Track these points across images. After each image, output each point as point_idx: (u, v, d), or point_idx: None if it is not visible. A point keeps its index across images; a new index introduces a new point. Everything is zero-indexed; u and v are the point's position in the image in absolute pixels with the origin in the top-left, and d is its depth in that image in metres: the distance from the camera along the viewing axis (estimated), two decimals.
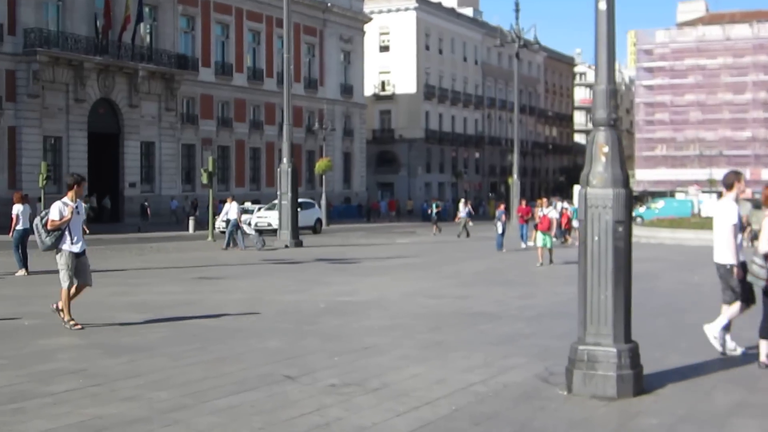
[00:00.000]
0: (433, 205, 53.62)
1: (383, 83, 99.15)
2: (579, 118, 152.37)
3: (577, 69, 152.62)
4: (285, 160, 37.31)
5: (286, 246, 35.98)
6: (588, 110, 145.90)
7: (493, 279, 22.77)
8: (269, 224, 44.80)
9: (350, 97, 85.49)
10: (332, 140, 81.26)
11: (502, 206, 36.72)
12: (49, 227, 13.74)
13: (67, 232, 13.82)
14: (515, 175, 65.95)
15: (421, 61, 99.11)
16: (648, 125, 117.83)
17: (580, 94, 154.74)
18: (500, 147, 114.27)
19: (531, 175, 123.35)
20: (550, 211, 27.86)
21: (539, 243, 27.19)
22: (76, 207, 13.82)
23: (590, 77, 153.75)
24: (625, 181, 9.52)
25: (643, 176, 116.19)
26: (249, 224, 40.33)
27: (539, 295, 18.89)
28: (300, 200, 46.03)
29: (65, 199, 13.91)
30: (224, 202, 38.90)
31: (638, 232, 39.95)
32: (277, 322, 14.59)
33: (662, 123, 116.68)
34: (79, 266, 13.88)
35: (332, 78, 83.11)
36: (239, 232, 34.33)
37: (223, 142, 70.10)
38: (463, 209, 44.39)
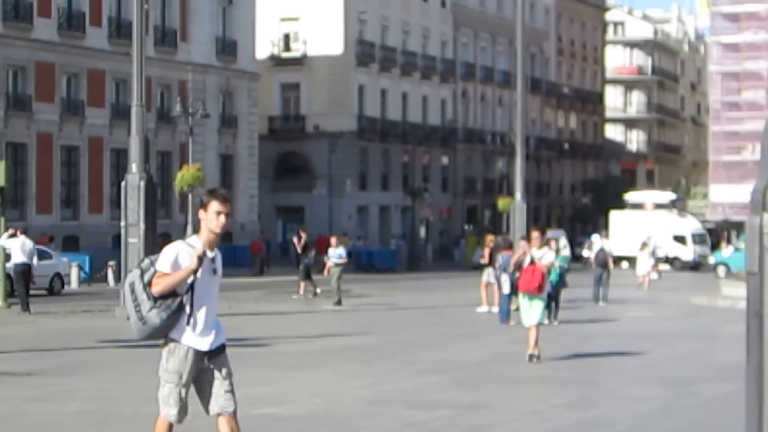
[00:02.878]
0: (301, 241, 33.18)
1: (287, 38, 64.71)
2: (614, 98, 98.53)
3: (609, 16, 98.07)
4: (134, 166, 24.78)
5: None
6: (628, 84, 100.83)
7: (513, 373, 15.19)
8: None
9: (232, 61, 56.01)
10: (202, 134, 52.27)
11: (510, 248, 24.36)
12: (154, 292, 7.00)
13: (187, 307, 7.07)
14: (518, 194, 37.19)
15: (352, 2, 63.71)
16: (730, 110, 72.99)
17: (616, 58, 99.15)
18: (483, 146, 76.12)
19: (534, 195, 73.77)
20: (543, 254, 16.31)
21: (528, 318, 15.89)
22: (212, 258, 7.13)
23: (631, 29, 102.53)
24: None
25: (722, 196, 71.80)
26: None
27: (603, 402, 12.78)
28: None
29: (192, 239, 7.18)
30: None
31: (729, 292, 30.83)
32: None
33: (755, 107, 71.13)
34: (205, 380, 7.20)
35: (202, 29, 53.76)
36: None
37: (14, 136, 45.22)
38: (333, 252, 29.48)
